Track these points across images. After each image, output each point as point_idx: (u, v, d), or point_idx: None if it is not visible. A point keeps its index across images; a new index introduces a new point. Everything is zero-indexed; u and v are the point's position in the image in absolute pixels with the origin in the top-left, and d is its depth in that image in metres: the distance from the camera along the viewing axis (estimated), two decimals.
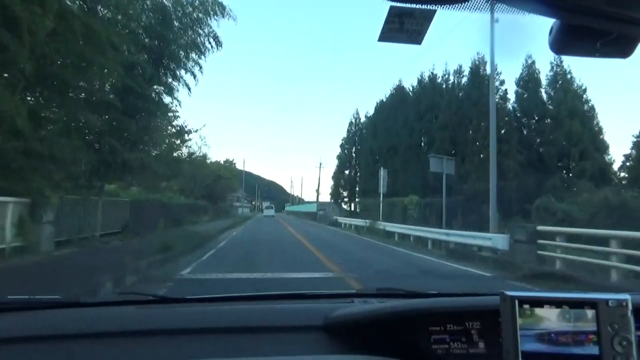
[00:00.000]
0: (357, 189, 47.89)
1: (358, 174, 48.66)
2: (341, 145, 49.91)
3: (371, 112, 46.07)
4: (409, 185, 35.84)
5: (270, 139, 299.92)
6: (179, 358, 1.21)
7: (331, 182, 52.26)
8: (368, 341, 1.26)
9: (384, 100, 42.67)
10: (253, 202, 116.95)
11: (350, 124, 49.16)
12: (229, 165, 52.73)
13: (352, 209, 49.20)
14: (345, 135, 49.72)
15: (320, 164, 75.97)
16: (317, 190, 76.46)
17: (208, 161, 51.26)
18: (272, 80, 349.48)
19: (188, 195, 44.83)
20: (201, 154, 46.78)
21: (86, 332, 1.31)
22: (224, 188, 51.54)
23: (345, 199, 49.69)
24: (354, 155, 49.03)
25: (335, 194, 50.05)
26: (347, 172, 49.36)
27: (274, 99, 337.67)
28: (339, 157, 49.91)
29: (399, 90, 41.18)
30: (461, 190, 29.87)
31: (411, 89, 39.84)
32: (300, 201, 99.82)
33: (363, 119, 48.56)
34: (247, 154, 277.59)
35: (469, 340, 1.25)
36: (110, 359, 1.22)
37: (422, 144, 37.17)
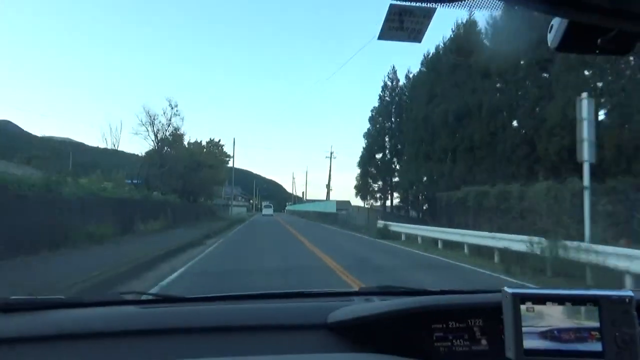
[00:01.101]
0: (397, 178, 33.59)
1: (395, 158, 34.39)
2: (371, 119, 35.53)
3: (415, 68, 31.91)
4: (504, 166, 21.73)
5: (268, 136, 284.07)
6: (182, 357, 1.19)
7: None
8: (370, 339, 1.26)
9: (443, 46, 28.26)
10: (251, 201, 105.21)
11: (384, 88, 34.80)
12: (214, 147, 38.24)
13: (390, 208, 34.84)
14: (376, 105, 35.35)
15: (332, 153, 61.91)
16: (328, 186, 62.42)
17: (185, 142, 37.01)
18: (270, 75, 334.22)
19: (151, 187, 30.65)
20: (170, 126, 32.61)
21: (89, 332, 1.32)
22: (207, 179, 37.15)
23: (378, 194, 35.24)
24: (387, 131, 34.70)
25: (362, 186, 35.59)
26: (379, 155, 34.96)
27: (273, 94, 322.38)
28: (367, 136, 35.55)
29: (469, 28, 26.84)
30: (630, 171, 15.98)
31: (489, 24, 25.46)
32: (302, 200, 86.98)
33: (402, 81, 34.31)
34: (245, 154, 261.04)
35: (472, 338, 1.24)
36: (113, 358, 1.23)
37: (519, 103, 22.87)
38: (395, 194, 34.23)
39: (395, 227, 19.40)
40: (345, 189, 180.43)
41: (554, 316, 1.00)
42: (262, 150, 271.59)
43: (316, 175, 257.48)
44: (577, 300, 1.01)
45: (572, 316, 1.00)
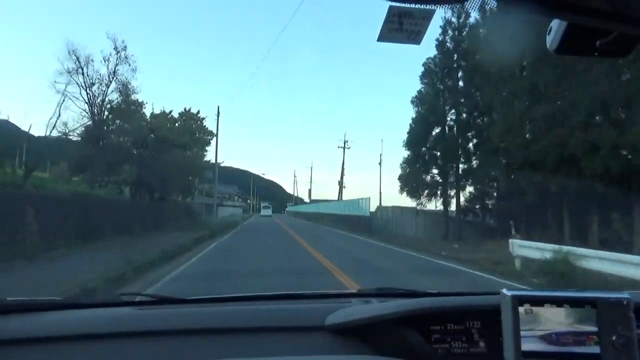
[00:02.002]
0: (472, 163, 21.86)
1: (460, 134, 22.66)
2: (423, 75, 23.67)
3: None
4: None
5: (267, 135, 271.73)
6: (179, 359, 1.20)
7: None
8: (368, 341, 1.25)
9: None
10: (248, 201, 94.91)
11: (445, 28, 23.01)
12: (191, 121, 26.40)
13: (455, 211, 23.05)
14: (433, 54, 23.51)
15: (345, 142, 50.12)
16: (341, 182, 50.77)
17: (147, 112, 25.27)
18: (271, 72, 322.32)
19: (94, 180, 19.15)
20: (114, 81, 20.76)
21: (87, 333, 1.29)
22: (181, 167, 25.31)
23: (435, 189, 23.41)
24: (449, 94, 22.96)
25: (410, 176, 23.74)
26: (436, 131, 23.18)
27: (274, 93, 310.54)
28: (417, 102, 23.70)
29: None
30: None
31: None
32: (303, 201, 76.84)
33: (474, 18, 22.62)
34: (243, 153, 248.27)
35: (470, 340, 1.23)
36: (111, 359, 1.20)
37: None
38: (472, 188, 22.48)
39: (605, 262, 7.55)
40: (350, 190, 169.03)
41: (552, 318, 0.98)
42: (261, 149, 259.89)
43: (319, 175, 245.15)
44: (575, 303, 0.99)
45: (570, 318, 0.98)
